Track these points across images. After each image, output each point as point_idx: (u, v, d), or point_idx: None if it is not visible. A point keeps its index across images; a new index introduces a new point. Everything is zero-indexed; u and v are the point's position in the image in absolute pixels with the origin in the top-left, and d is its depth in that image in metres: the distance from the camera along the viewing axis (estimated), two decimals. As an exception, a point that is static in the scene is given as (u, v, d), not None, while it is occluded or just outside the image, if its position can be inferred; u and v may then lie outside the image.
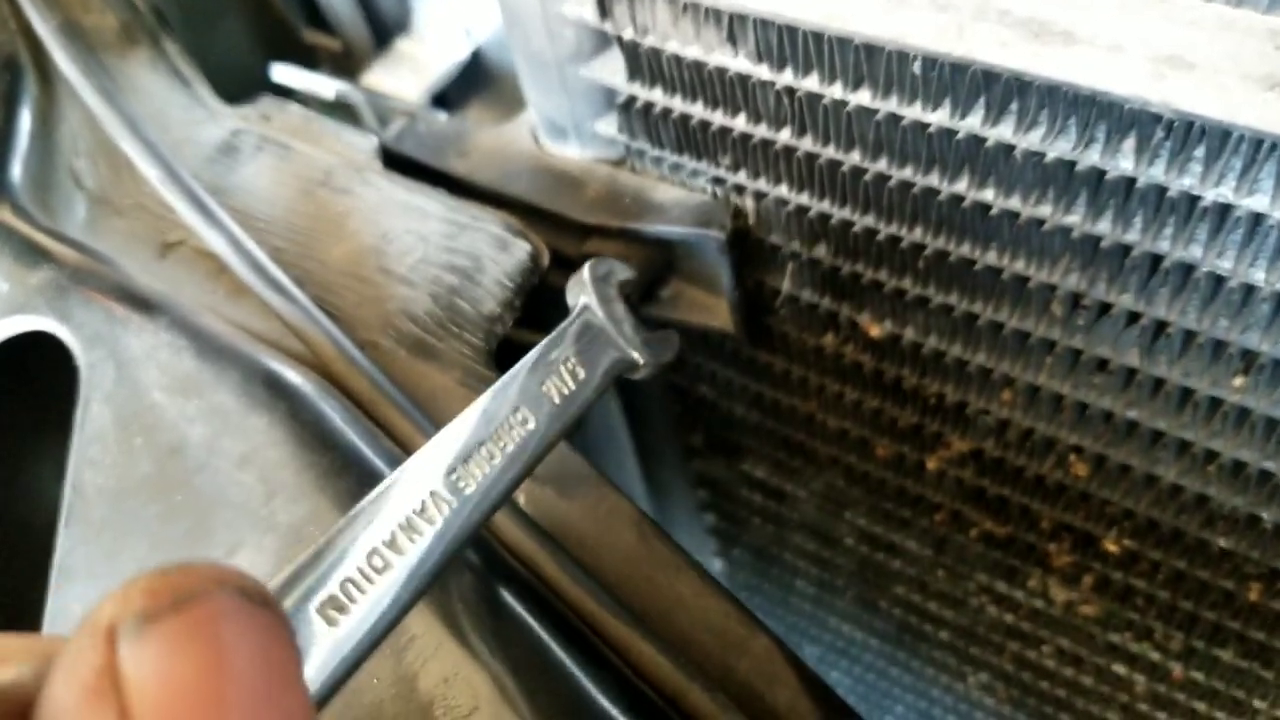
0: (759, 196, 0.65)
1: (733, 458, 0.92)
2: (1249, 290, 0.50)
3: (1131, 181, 0.49)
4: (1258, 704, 0.75)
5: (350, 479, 0.52)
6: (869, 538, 0.88)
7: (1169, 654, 0.77)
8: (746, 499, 0.95)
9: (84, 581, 0.51)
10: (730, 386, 0.83)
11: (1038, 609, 0.82)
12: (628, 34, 0.60)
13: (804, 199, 0.63)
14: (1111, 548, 0.71)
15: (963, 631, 0.91)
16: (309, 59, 0.91)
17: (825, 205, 0.62)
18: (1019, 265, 0.57)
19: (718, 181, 0.66)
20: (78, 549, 0.51)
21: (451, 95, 0.87)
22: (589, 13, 0.61)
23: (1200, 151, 0.47)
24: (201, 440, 0.53)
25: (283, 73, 0.78)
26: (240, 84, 0.84)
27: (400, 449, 0.54)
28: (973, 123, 0.51)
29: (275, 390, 0.55)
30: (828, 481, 0.85)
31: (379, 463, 0.53)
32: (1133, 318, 0.56)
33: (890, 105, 0.53)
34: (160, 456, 0.53)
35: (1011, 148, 0.51)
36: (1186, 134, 0.47)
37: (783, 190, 0.63)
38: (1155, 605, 0.73)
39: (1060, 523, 0.72)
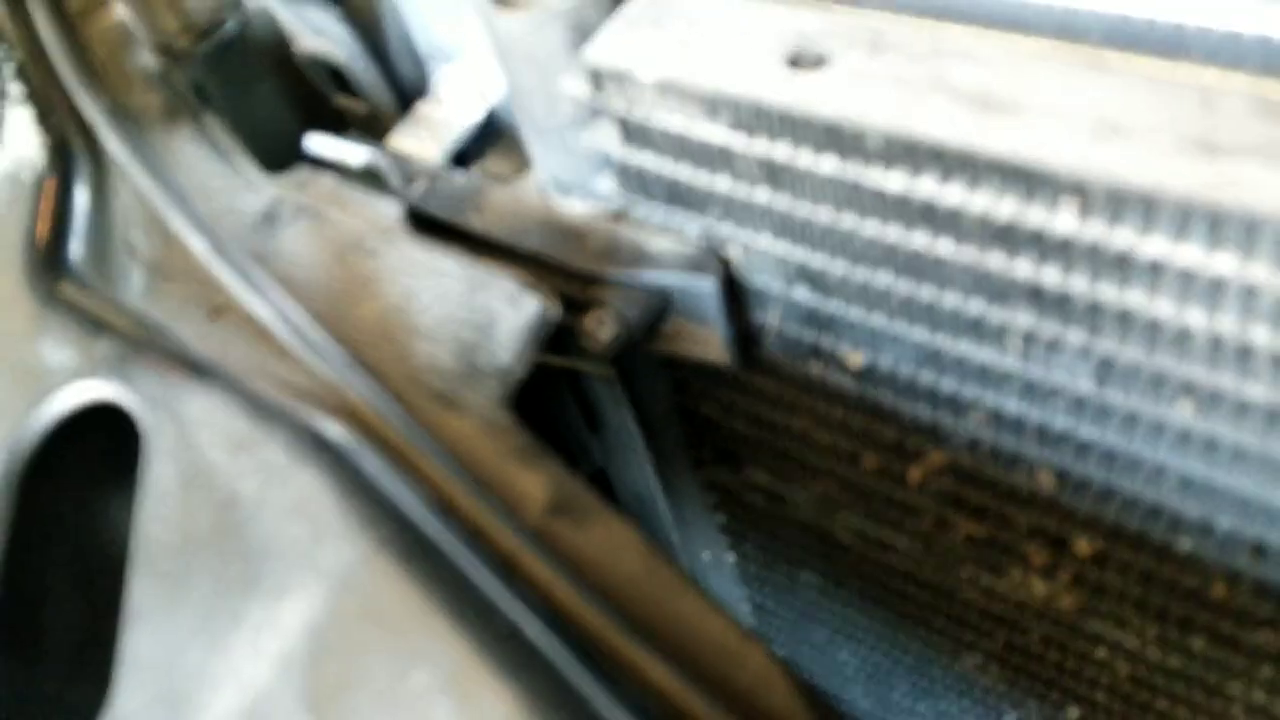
0: (744, 246, 0.68)
1: (736, 467, 0.94)
2: (1187, 331, 0.52)
3: (1074, 238, 0.51)
4: (1234, 690, 0.77)
5: (388, 524, 0.55)
6: (863, 537, 0.91)
7: (1146, 642, 0.79)
8: (751, 502, 0.98)
9: (152, 624, 0.55)
10: (731, 407, 0.86)
11: (1021, 601, 0.84)
12: (618, 108, 0.63)
13: (785, 247, 0.65)
14: (1083, 549, 0.73)
15: (955, 619, 0.94)
16: (339, 122, 0.94)
17: (804, 252, 0.64)
18: (977, 307, 0.59)
19: (707, 232, 0.69)
20: (146, 595, 0.55)
21: (469, 151, 0.90)
22: (583, 90, 0.64)
23: (1137, 211, 0.49)
24: (254, 494, 0.57)
25: (314, 142, 0.81)
26: (279, 147, 0.87)
27: (431, 495, 0.58)
28: (926, 187, 0.54)
29: (319, 445, 0.58)
30: (823, 488, 0.88)
31: (413, 508, 0.56)
32: (1084, 351, 0.58)
33: (853, 172, 0.56)
34: (217, 509, 0.57)
35: (963, 207, 0.53)
36: (1123, 196, 0.49)
37: (765, 240, 0.66)
38: (1128, 599, 0.75)
39: (1035, 526, 0.74)
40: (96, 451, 0.66)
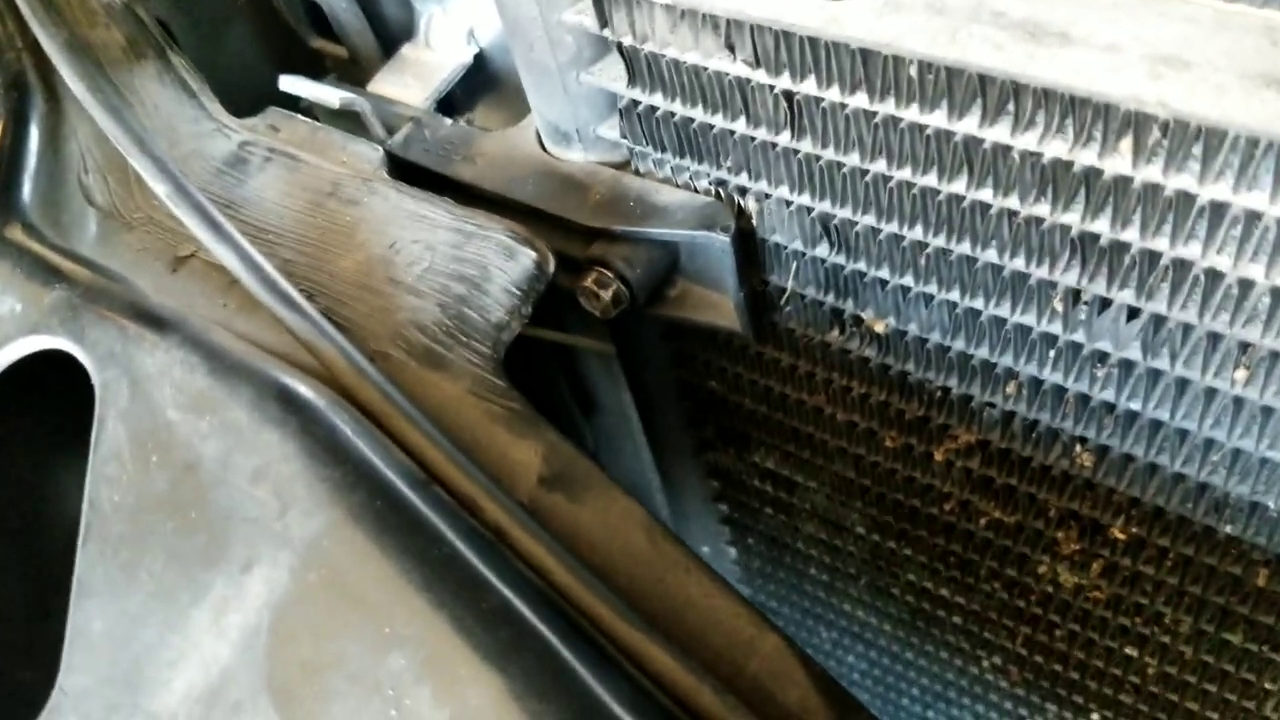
0: (761, 197, 0.65)
1: (743, 449, 0.92)
2: (1247, 286, 0.50)
3: (1128, 181, 0.49)
4: (1268, 686, 0.75)
5: (363, 492, 0.52)
6: (879, 526, 0.88)
7: (1178, 637, 0.77)
8: (758, 489, 0.95)
9: (103, 598, 0.52)
10: (738, 381, 0.83)
11: (1048, 594, 0.82)
12: (627, 41, 0.60)
13: (806, 199, 0.62)
14: (1119, 535, 0.70)
15: (974, 616, 0.91)
16: (317, 66, 0.91)
17: (827, 205, 0.62)
18: (1019, 262, 0.56)
19: (720, 183, 0.66)
20: (96, 566, 0.52)
21: (457, 98, 0.87)
22: (588, 20, 0.61)
23: (1198, 149, 0.47)
24: (215, 457, 0.54)
25: (289, 83, 0.78)
26: (249, 92, 0.84)
27: (412, 460, 0.55)
28: (970, 124, 0.51)
29: (287, 405, 0.55)
30: (837, 472, 0.85)
31: (391, 475, 0.53)
32: (1133, 313, 0.55)
33: (888, 108, 0.53)
34: (175, 473, 0.53)
35: (1008, 148, 0.51)
36: (1184, 133, 0.46)
37: (784, 191, 0.63)
38: (1163, 590, 0.73)
39: (1067, 511, 0.72)
40: (46, 410, 0.63)
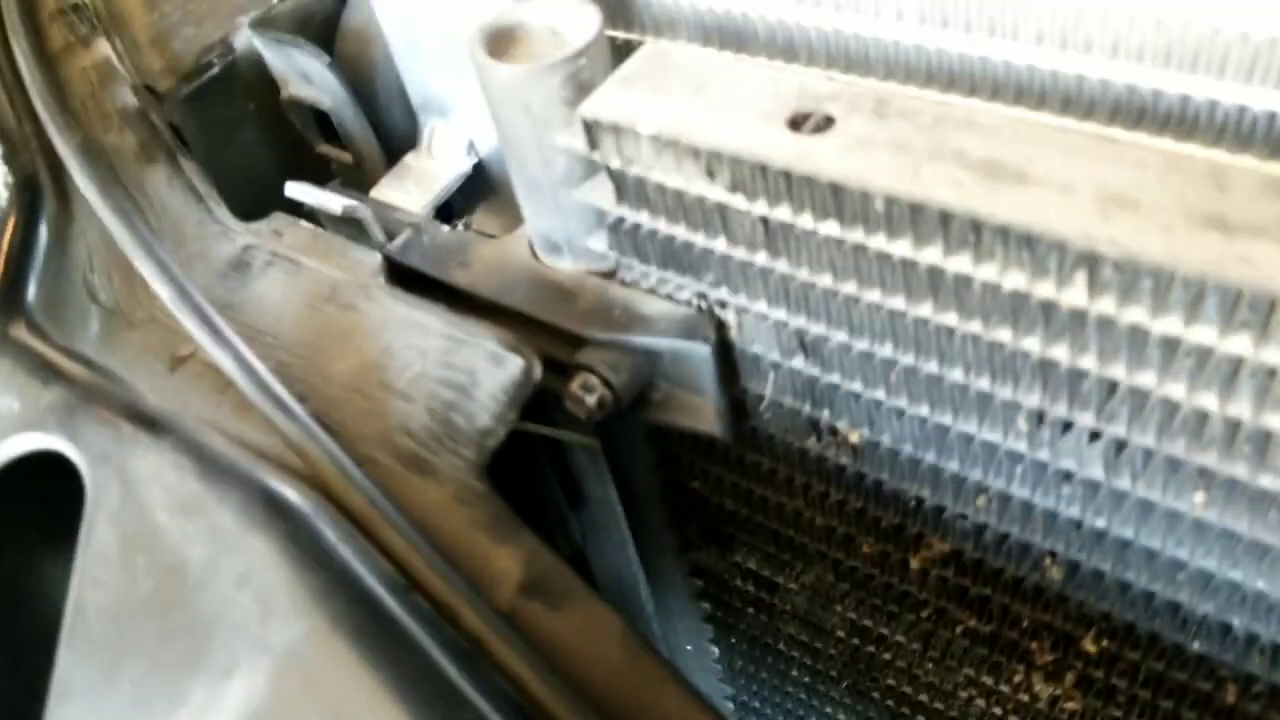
0: (740, 310, 0.66)
1: (725, 550, 0.92)
2: (1202, 415, 0.51)
3: (1084, 312, 0.50)
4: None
5: (344, 599, 0.53)
6: (859, 630, 0.88)
7: (1153, 750, 0.77)
8: (740, 589, 0.95)
9: (81, 701, 0.52)
10: (720, 483, 0.84)
11: (1024, 703, 0.81)
12: (614, 164, 0.62)
13: (782, 314, 0.64)
14: (1091, 648, 0.71)
15: (953, 721, 0.91)
16: (323, 170, 0.93)
17: (802, 320, 0.63)
18: (983, 382, 0.57)
19: (701, 295, 0.68)
20: (77, 669, 0.52)
21: (456, 205, 0.89)
22: (579, 144, 0.63)
23: (1148, 284, 0.48)
24: (201, 560, 0.54)
25: (295, 189, 0.80)
26: (256, 195, 0.87)
27: (394, 567, 0.55)
28: (933, 254, 0.53)
29: (274, 510, 0.56)
30: (816, 575, 0.85)
31: (373, 582, 0.54)
32: (1094, 434, 0.56)
33: (856, 236, 0.55)
34: (161, 576, 0.54)
35: (969, 278, 0.52)
36: (1135, 269, 0.48)
37: (762, 306, 0.64)
38: (1137, 704, 0.73)
39: (1040, 622, 0.72)
40: (35, 510, 0.64)
